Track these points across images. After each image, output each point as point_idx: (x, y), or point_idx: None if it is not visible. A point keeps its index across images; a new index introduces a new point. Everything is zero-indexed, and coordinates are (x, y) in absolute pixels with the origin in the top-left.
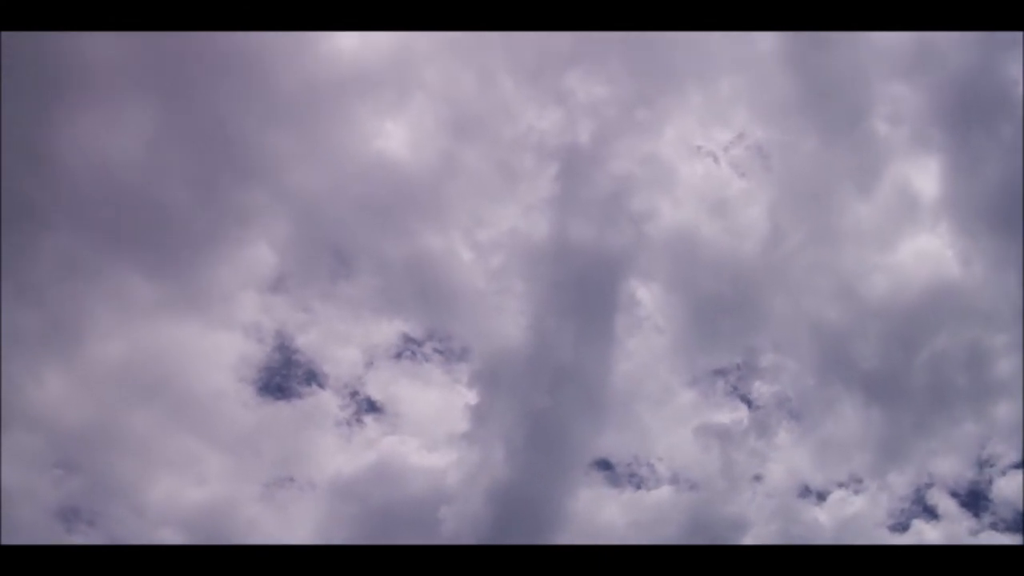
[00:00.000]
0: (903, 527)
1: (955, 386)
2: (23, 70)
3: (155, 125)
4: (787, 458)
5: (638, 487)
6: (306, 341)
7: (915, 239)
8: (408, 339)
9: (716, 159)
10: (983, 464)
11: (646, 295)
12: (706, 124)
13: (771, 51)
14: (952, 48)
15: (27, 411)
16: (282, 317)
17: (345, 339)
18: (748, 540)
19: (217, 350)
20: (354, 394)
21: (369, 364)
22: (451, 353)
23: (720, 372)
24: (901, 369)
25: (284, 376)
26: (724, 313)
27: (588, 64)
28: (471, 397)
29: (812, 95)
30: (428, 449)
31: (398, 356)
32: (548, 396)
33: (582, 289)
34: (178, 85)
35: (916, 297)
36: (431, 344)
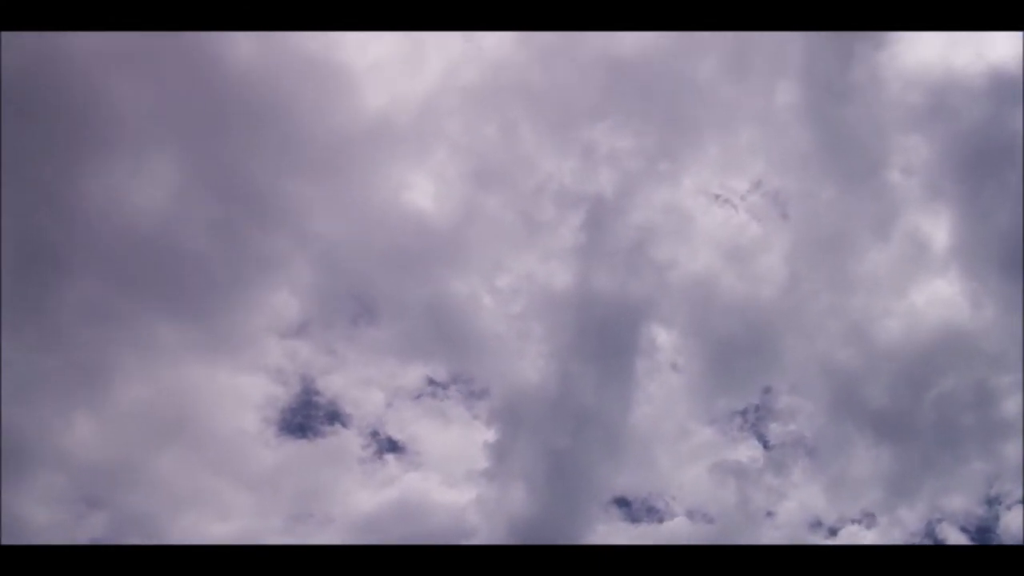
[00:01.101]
0: None
1: (963, 425)
2: (49, 120)
3: (179, 174)
4: (800, 495)
5: (654, 521)
6: (328, 383)
7: (926, 284)
8: (430, 381)
9: (734, 207)
10: (991, 501)
11: (665, 338)
12: (724, 173)
13: (789, 104)
14: (964, 102)
15: (55, 451)
16: (305, 360)
17: (367, 381)
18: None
19: (240, 392)
20: (375, 433)
21: (391, 405)
22: (472, 394)
23: (736, 412)
24: (911, 409)
25: (306, 416)
26: (741, 356)
27: (608, 116)
28: (491, 435)
29: (829, 146)
30: (449, 486)
31: (419, 397)
32: (568, 435)
33: (602, 333)
34: (203, 134)
35: (926, 339)
36: (452, 385)
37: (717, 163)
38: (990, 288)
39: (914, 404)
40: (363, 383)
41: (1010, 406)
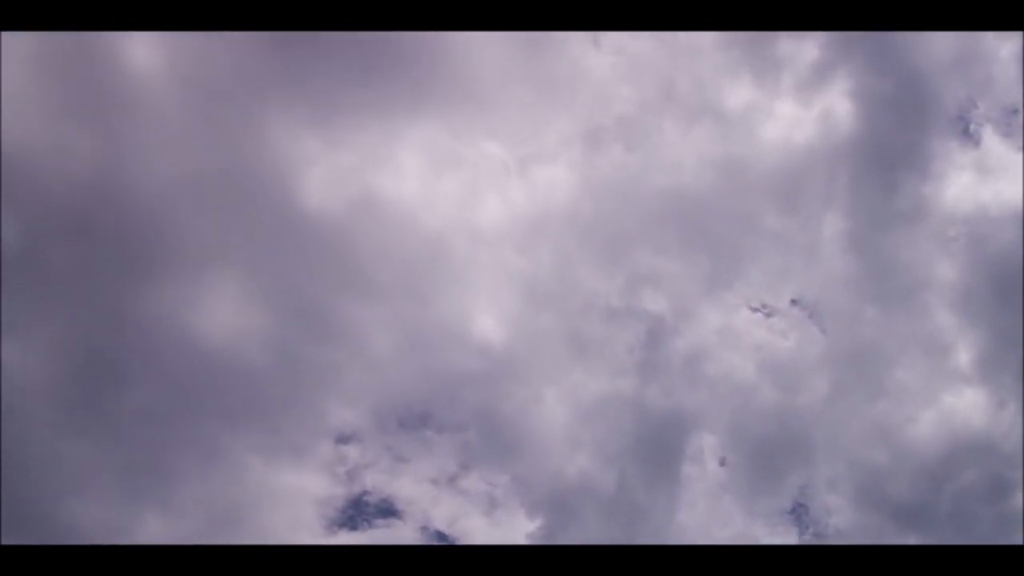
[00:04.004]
0: None
1: (979, 515)
2: (113, 242)
3: (240, 291)
4: None
5: None
6: (381, 483)
7: (952, 391)
8: (487, 482)
9: (773, 323)
10: None
11: (709, 443)
12: (767, 292)
13: (833, 233)
14: (992, 230)
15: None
16: (359, 462)
17: (418, 480)
18: None
19: (295, 492)
20: (425, 528)
21: (440, 501)
22: (524, 493)
23: (776, 509)
24: (932, 501)
25: (358, 511)
26: (780, 458)
27: (653, 241)
28: (538, 529)
29: (869, 270)
30: None
31: (471, 494)
32: (616, 530)
33: (650, 440)
34: (264, 256)
35: (949, 440)
36: (505, 485)
37: (761, 284)
38: (1012, 395)
39: (935, 497)
40: (414, 482)
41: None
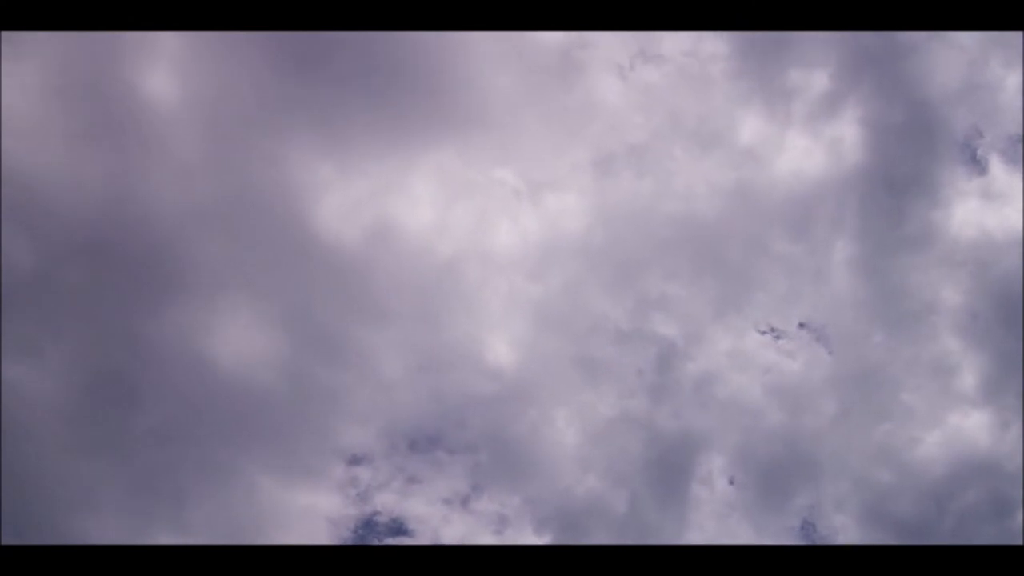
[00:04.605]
0: None
1: (981, 533)
2: (128, 266)
3: (251, 315)
4: None
5: None
6: (392, 502)
7: (956, 413)
8: (499, 503)
9: (782, 346)
10: None
11: (717, 463)
12: (775, 316)
13: (843, 259)
14: (997, 256)
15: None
16: (370, 483)
17: (430, 501)
18: None
19: (307, 512)
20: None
21: (450, 520)
22: (533, 510)
23: (784, 527)
24: (935, 520)
25: (370, 530)
26: (788, 478)
27: (664, 266)
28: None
29: (877, 294)
30: None
31: (482, 515)
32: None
33: (659, 461)
34: (276, 282)
35: (952, 460)
36: (516, 506)
37: (770, 308)
38: (1015, 416)
39: (939, 516)
40: (426, 503)
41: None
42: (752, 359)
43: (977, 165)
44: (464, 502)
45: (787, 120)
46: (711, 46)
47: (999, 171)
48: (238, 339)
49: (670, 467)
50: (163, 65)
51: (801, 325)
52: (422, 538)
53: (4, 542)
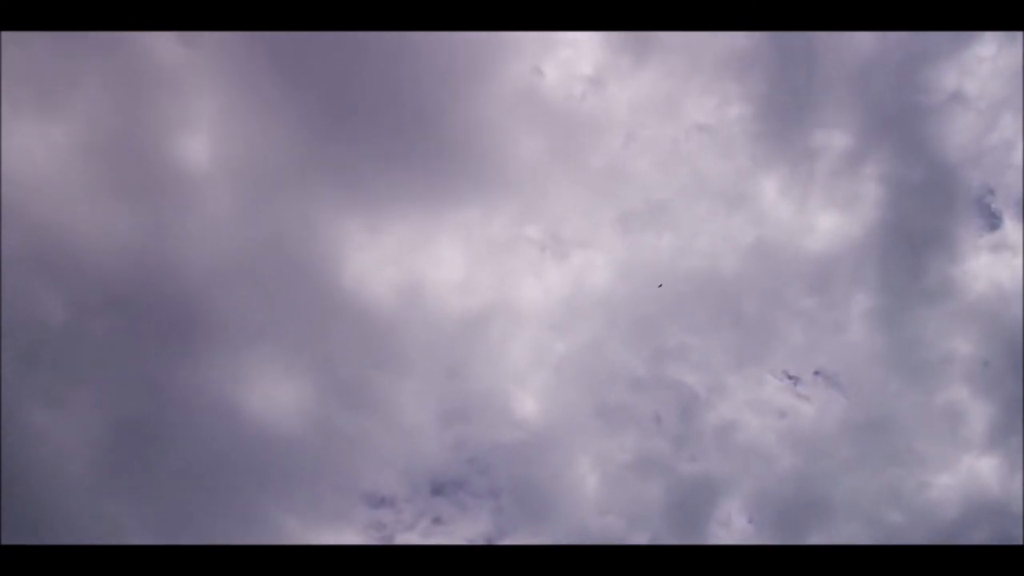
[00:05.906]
0: None
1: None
2: (159, 318)
3: (280, 366)
4: None
5: None
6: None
7: (965, 460)
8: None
9: (797, 393)
10: None
11: (734, 504)
12: (793, 365)
13: (862, 312)
14: (1007, 306)
15: None
16: (394, 523)
17: (455, 542)
18: None
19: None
20: None
21: None
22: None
23: None
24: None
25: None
26: (803, 517)
27: (680, 319)
28: None
29: (894, 346)
30: None
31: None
32: None
33: (677, 503)
34: (305, 334)
35: (962, 500)
36: (541, 540)
37: (788, 357)
38: (1021, 461)
39: None
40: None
41: None
42: (769, 406)
43: (991, 219)
44: (488, 543)
45: (809, 178)
46: (736, 109)
47: (1010, 226)
48: (266, 389)
49: (689, 508)
50: (195, 123)
51: (816, 373)
52: None
53: (4, 542)
